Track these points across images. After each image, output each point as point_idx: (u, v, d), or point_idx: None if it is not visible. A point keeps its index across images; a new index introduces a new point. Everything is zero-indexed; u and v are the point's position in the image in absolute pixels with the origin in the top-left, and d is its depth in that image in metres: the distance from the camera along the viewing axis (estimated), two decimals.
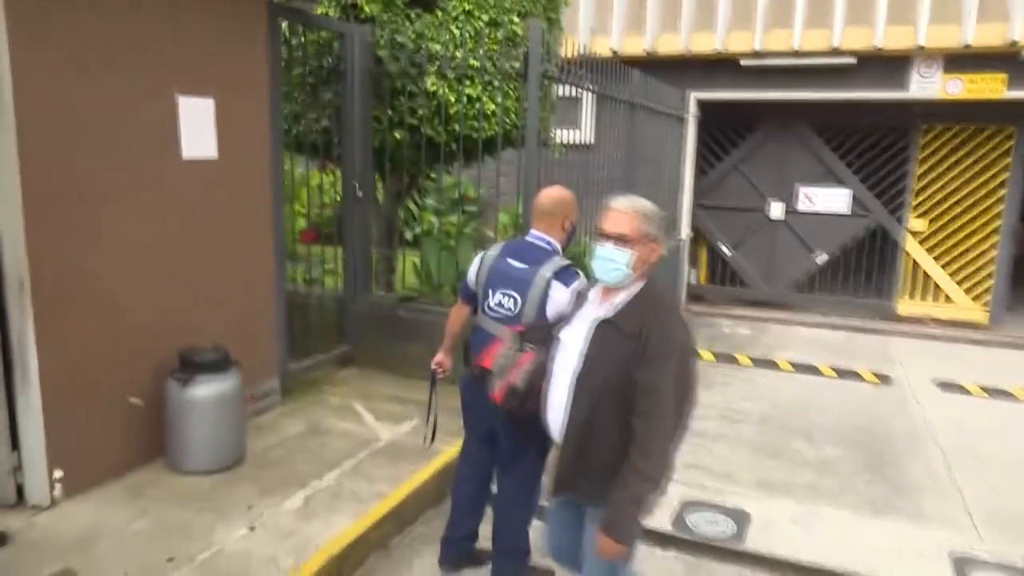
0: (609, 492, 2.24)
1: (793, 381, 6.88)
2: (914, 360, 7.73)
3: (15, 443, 3.45)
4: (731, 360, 7.49)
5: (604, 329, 2.29)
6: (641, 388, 2.19)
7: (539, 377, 2.51)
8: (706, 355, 7.63)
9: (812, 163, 9.70)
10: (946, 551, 3.81)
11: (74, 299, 3.51)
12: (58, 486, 3.48)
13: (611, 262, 2.29)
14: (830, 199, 9.64)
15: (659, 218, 2.37)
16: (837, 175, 9.59)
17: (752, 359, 7.53)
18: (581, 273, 2.94)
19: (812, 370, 7.21)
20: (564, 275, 2.88)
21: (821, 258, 9.75)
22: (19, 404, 3.41)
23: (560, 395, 2.39)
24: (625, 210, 2.32)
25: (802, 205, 9.77)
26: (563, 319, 2.54)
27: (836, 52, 8.52)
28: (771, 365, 7.35)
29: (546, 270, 2.89)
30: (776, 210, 9.89)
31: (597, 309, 2.37)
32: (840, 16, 8.40)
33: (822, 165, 9.66)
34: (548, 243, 3.05)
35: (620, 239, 2.28)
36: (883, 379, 6.97)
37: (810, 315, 9.57)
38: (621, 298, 2.33)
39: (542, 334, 2.60)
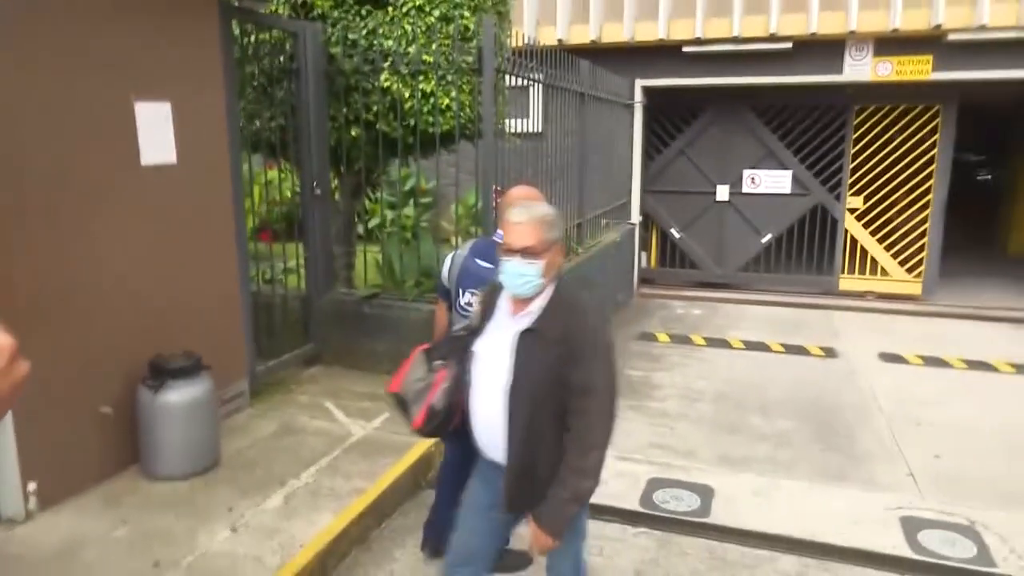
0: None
1: (746, 359, 7.16)
2: (857, 333, 8.11)
3: None
4: (686, 341, 7.74)
5: (528, 339, 2.25)
6: (576, 389, 2.21)
7: (457, 393, 2.45)
8: (662, 337, 7.86)
9: (755, 146, 10.02)
10: (894, 514, 4.09)
11: (41, 310, 3.47)
12: (32, 498, 3.46)
13: (522, 276, 2.24)
14: (773, 180, 9.98)
15: (558, 219, 2.35)
16: (779, 157, 9.93)
17: (706, 339, 7.79)
18: None
19: (763, 347, 7.51)
20: None
21: (766, 238, 10.10)
22: None
23: (489, 411, 2.33)
24: (528, 222, 2.25)
25: (747, 187, 10.08)
26: (471, 330, 2.46)
27: (773, 38, 8.80)
28: (724, 344, 7.62)
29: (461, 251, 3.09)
30: (722, 193, 10.19)
31: (513, 320, 2.32)
32: (776, 3, 8.68)
33: (764, 147, 9.98)
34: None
35: (527, 252, 2.21)
36: (829, 352, 7.32)
37: (759, 294, 9.92)
38: (536, 305, 2.29)
39: (450, 348, 2.53)
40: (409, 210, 8.88)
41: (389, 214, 8.60)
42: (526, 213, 2.27)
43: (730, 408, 5.78)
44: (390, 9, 5.52)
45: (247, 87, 5.49)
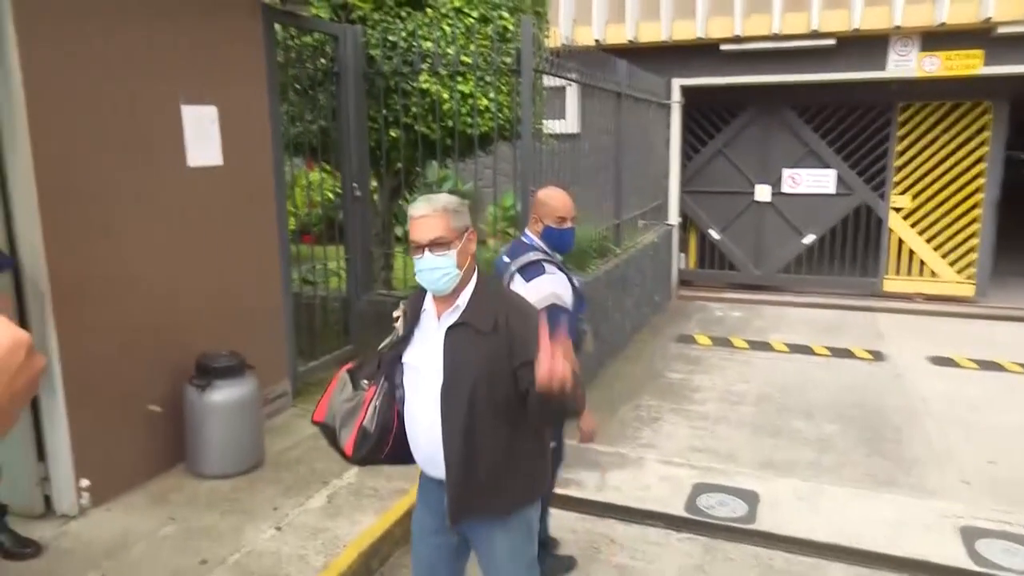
0: (514, 498, 2.22)
1: (788, 362, 7.03)
2: (904, 336, 7.91)
3: (41, 454, 3.49)
4: (726, 343, 7.63)
5: (457, 333, 2.13)
6: (525, 365, 2.03)
7: (390, 411, 2.26)
8: (701, 339, 7.76)
9: (795, 145, 9.84)
10: (950, 522, 3.96)
11: (93, 308, 3.55)
12: (85, 495, 3.53)
13: (436, 270, 2.10)
14: (815, 180, 9.79)
15: (463, 204, 2.19)
16: (820, 156, 9.74)
17: (746, 342, 7.67)
18: (553, 268, 3.02)
19: (806, 350, 7.36)
20: (526, 270, 2.99)
21: (808, 239, 9.91)
22: (44, 414, 3.45)
23: (427, 421, 2.16)
24: (431, 213, 2.10)
25: (787, 187, 9.91)
26: (402, 339, 2.28)
27: (815, 35, 8.64)
28: (765, 347, 7.49)
29: (516, 264, 3.03)
30: (762, 193, 10.03)
31: (440, 321, 2.18)
32: None
33: (805, 146, 9.80)
34: (529, 239, 3.18)
35: (436, 244, 2.09)
36: (876, 356, 7.15)
37: (800, 296, 9.74)
38: (462, 298, 2.17)
39: (378, 364, 2.32)
40: None
41: None
42: (427, 205, 2.11)
43: (772, 411, 5.68)
44: (429, 11, 5.54)
45: (289, 90, 5.56)
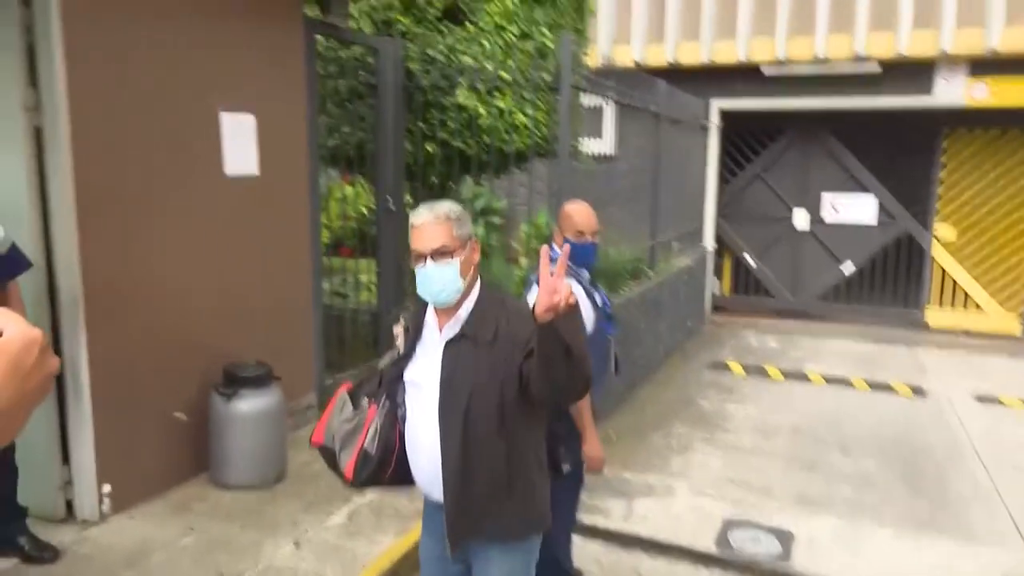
0: (513, 523, 2.10)
1: (825, 393, 6.82)
2: (947, 372, 7.64)
3: (65, 457, 3.47)
4: (760, 372, 7.43)
5: (457, 346, 2.05)
6: (528, 364, 1.95)
7: (392, 432, 2.17)
8: (735, 367, 7.58)
9: (836, 171, 9.65)
10: (1001, 570, 3.75)
11: (124, 314, 3.54)
12: (107, 501, 3.51)
13: (439, 281, 2.01)
14: (856, 207, 9.57)
15: (466, 213, 2.11)
16: (862, 183, 9.53)
17: (782, 371, 7.47)
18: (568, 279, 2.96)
19: (844, 382, 7.14)
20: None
21: (848, 268, 9.67)
22: (70, 418, 3.44)
23: (429, 441, 2.07)
24: (433, 221, 2.02)
25: (827, 214, 9.71)
26: (404, 356, 2.19)
27: (860, 59, 8.48)
28: (802, 377, 7.29)
29: (533, 274, 2.98)
30: (801, 219, 9.84)
31: (442, 334, 2.09)
32: (863, 22, 8.36)
33: (846, 173, 9.60)
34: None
35: (439, 253, 2.00)
36: (917, 391, 6.90)
37: (838, 326, 9.49)
38: (464, 310, 2.07)
39: (378, 383, 2.24)
40: (480, 228, 8.87)
41: None
42: (429, 212, 2.03)
43: (808, 444, 5.49)
44: (470, 26, 5.53)
45: (328, 102, 5.57)
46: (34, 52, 3.18)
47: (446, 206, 2.07)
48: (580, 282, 3.01)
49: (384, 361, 2.28)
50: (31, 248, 3.24)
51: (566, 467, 2.50)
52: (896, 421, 6.04)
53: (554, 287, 1.71)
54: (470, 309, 2.08)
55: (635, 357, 6.34)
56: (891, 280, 9.55)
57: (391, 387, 2.19)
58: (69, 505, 3.50)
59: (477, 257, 2.12)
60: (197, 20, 3.84)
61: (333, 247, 7.36)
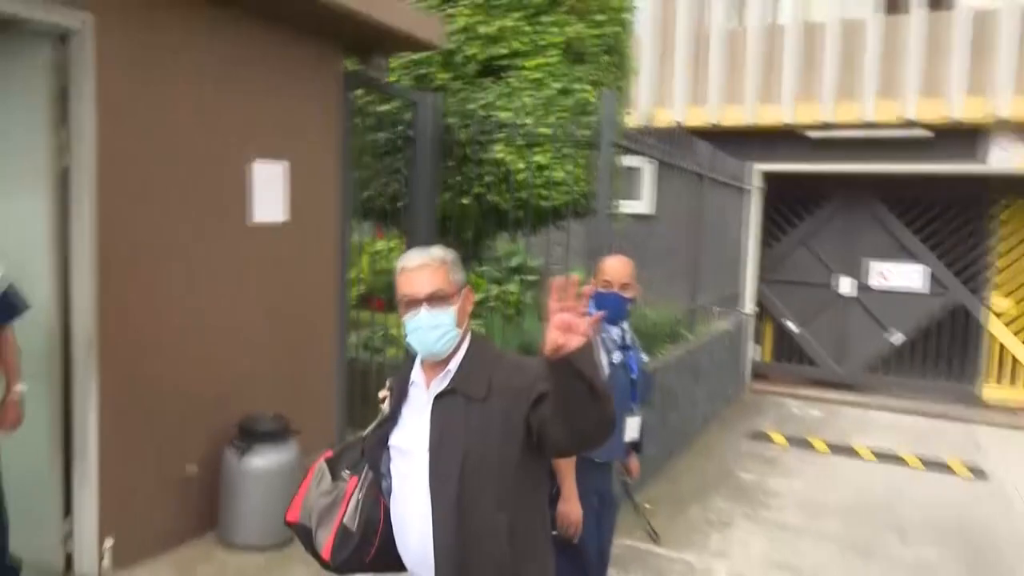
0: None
1: (875, 471, 6.39)
2: (1007, 451, 7.14)
3: (68, 509, 3.31)
4: (804, 445, 7.03)
5: (445, 403, 1.83)
6: (541, 399, 1.71)
7: (376, 509, 1.93)
8: (777, 438, 7.19)
9: (884, 238, 9.35)
10: None
11: (139, 362, 3.42)
12: (108, 555, 3.32)
13: (436, 328, 1.82)
14: (904, 275, 9.22)
15: (458, 261, 1.94)
16: (911, 250, 9.21)
17: (828, 444, 7.05)
18: None
19: (895, 460, 6.70)
20: None
21: (897, 338, 9.26)
22: (75, 468, 3.28)
23: (416, 513, 1.83)
24: (428, 263, 1.85)
25: (875, 281, 9.37)
26: (388, 419, 1.96)
27: (909, 124, 8.28)
28: (849, 452, 6.87)
29: None
30: (846, 286, 9.51)
31: (428, 392, 1.88)
32: (913, 87, 8.19)
33: (894, 240, 9.29)
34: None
35: (436, 297, 1.82)
36: (977, 472, 6.42)
37: (885, 398, 9.03)
38: (454, 363, 1.87)
39: (360, 451, 2.01)
40: (514, 286, 8.72)
41: (493, 289, 8.47)
42: (424, 255, 1.87)
43: (860, 526, 5.08)
44: (510, 81, 5.49)
45: (364, 154, 5.54)
46: (66, 93, 3.15)
47: (439, 250, 1.91)
48: (602, 338, 2.80)
49: (368, 429, 2.04)
50: (46, 290, 3.16)
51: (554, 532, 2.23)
52: (956, 504, 5.59)
53: (567, 323, 1.48)
54: (460, 362, 1.87)
55: (672, 424, 6.04)
56: (943, 353, 9.11)
57: (374, 455, 1.95)
58: (69, 559, 3.31)
59: (470, 307, 1.93)
60: (234, 69, 3.83)
61: (364, 300, 7.26)
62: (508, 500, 1.79)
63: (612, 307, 2.85)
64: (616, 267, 2.91)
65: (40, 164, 3.16)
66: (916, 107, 8.19)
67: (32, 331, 3.05)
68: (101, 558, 3.30)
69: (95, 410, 3.24)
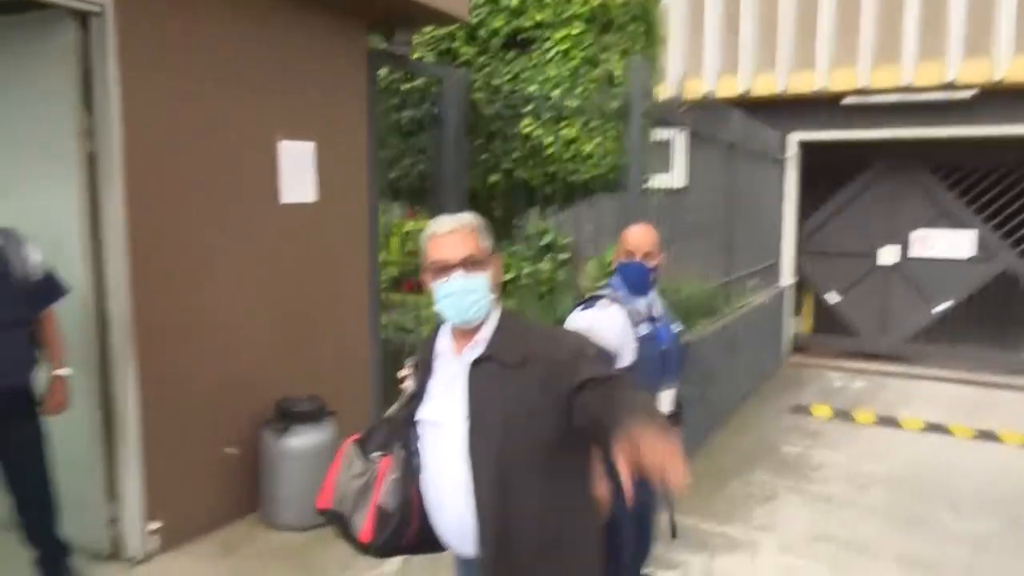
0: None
1: (923, 442, 6.22)
2: None
3: (112, 493, 3.35)
4: (847, 417, 6.88)
5: (482, 369, 1.79)
6: (579, 391, 1.67)
7: (409, 488, 1.89)
8: (819, 411, 7.04)
9: (927, 205, 9.06)
10: None
11: (175, 345, 3.44)
12: (154, 538, 3.36)
13: (470, 294, 1.78)
14: (950, 243, 8.94)
15: (487, 228, 1.89)
16: (956, 217, 8.91)
17: (872, 416, 6.89)
18: (608, 304, 2.70)
19: (943, 430, 6.52)
20: (581, 305, 2.74)
21: (941, 307, 9.00)
22: (118, 453, 3.32)
23: (453, 484, 1.79)
24: (458, 229, 1.81)
25: (917, 250, 9.09)
26: (415, 395, 1.92)
27: (952, 86, 7.97)
28: (895, 423, 6.70)
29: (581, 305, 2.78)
30: (888, 255, 9.25)
31: (459, 361, 1.83)
32: (956, 47, 7.87)
33: (938, 207, 9.00)
34: (613, 280, 2.89)
35: (470, 262, 1.78)
36: None
37: (931, 369, 8.79)
38: (485, 333, 1.83)
39: (389, 431, 1.97)
40: (545, 264, 8.65)
41: (524, 267, 8.41)
42: (455, 221, 1.83)
43: (909, 498, 4.94)
44: (535, 54, 5.39)
45: (390, 133, 5.50)
46: (90, 77, 3.15)
47: (469, 215, 1.88)
48: (625, 308, 2.72)
49: (391, 409, 2.01)
50: (81, 276, 3.17)
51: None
52: (1012, 477, 5.41)
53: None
54: (493, 332, 1.84)
55: (710, 398, 5.94)
56: (991, 321, 8.82)
57: (404, 433, 1.91)
58: (115, 542, 3.36)
59: (501, 276, 1.90)
60: (258, 47, 3.79)
61: (396, 282, 7.26)
62: (550, 468, 1.74)
63: (636, 277, 2.78)
64: (639, 236, 2.82)
65: (69, 148, 3.17)
66: (958, 69, 7.88)
67: (68, 316, 3.07)
68: (147, 541, 3.34)
69: (134, 394, 3.26)
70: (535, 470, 1.73)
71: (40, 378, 2.93)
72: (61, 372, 2.96)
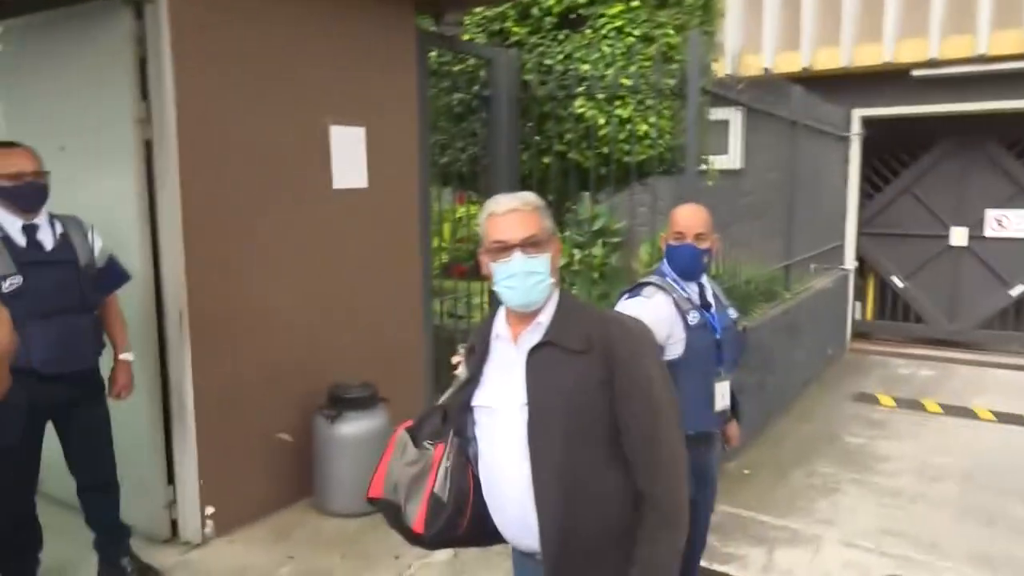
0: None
1: (997, 433, 5.93)
2: None
3: (171, 477, 3.40)
4: (915, 406, 6.60)
5: (543, 355, 1.71)
6: (630, 408, 1.66)
7: (465, 475, 1.82)
8: (884, 399, 6.78)
9: (1002, 182, 8.60)
10: None
11: (228, 331, 3.46)
12: (209, 523, 3.41)
13: (532, 275, 1.70)
14: None
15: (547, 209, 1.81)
16: None
17: (941, 406, 6.59)
18: (653, 291, 2.58)
19: (1017, 420, 6.19)
20: (627, 292, 2.65)
21: (1017, 290, 8.55)
22: (175, 437, 3.37)
23: (512, 473, 1.71)
24: (519, 208, 1.73)
25: (991, 230, 8.64)
26: (469, 381, 1.84)
27: None
28: (966, 413, 6.39)
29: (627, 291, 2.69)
30: (958, 236, 8.82)
31: (518, 346, 1.75)
32: None
33: (1014, 184, 8.53)
34: (661, 264, 2.74)
35: (531, 242, 1.70)
36: None
37: (1005, 356, 8.38)
38: (545, 317, 1.75)
39: (441, 418, 1.89)
40: (598, 249, 8.52)
41: (576, 253, 8.30)
42: (513, 199, 1.75)
43: (982, 492, 4.71)
44: (588, 32, 5.24)
45: (440, 117, 5.44)
46: (145, 65, 3.16)
47: (530, 194, 1.79)
48: (672, 296, 2.58)
49: (445, 396, 1.93)
50: (139, 263, 3.21)
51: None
52: None
53: None
54: (553, 316, 1.75)
55: (770, 386, 5.76)
56: None
57: (458, 419, 1.83)
58: (174, 525, 3.42)
59: (559, 259, 1.81)
60: (308, 32, 3.76)
61: (447, 268, 7.23)
62: (611, 457, 1.68)
63: (686, 261, 2.63)
64: (689, 216, 2.65)
65: (126, 136, 3.19)
66: None
67: (126, 303, 3.11)
68: (204, 525, 3.38)
69: (190, 380, 3.30)
70: (598, 460, 1.67)
71: (103, 363, 2.98)
72: (125, 357, 3.02)
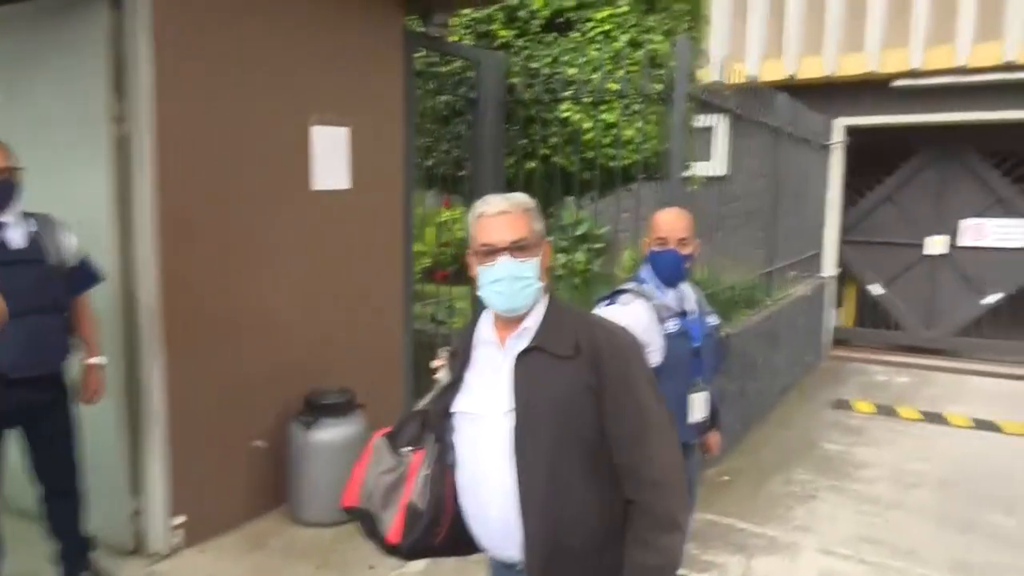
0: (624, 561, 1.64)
1: (972, 440, 5.97)
2: None
3: (136, 487, 3.31)
4: (892, 413, 6.64)
5: (530, 360, 1.67)
6: (618, 414, 1.64)
7: (443, 483, 1.76)
8: (861, 406, 6.81)
9: (980, 192, 8.69)
10: None
11: (203, 334, 3.38)
12: (180, 532, 3.32)
13: (518, 280, 1.67)
14: (1004, 232, 8.56)
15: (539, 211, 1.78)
16: (1012, 205, 8.52)
17: (918, 412, 6.64)
18: (631, 299, 2.54)
19: (994, 428, 6.25)
20: (604, 299, 2.61)
21: (993, 298, 8.64)
22: (143, 445, 3.28)
23: (495, 481, 1.67)
24: (509, 210, 1.68)
25: (968, 239, 8.73)
26: (451, 386, 1.80)
27: (1010, 67, 7.59)
28: (942, 420, 6.44)
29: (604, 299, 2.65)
30: (936, 245, 8.90)
31: (504, 351, 1.72)
32: (1014, 27, 7.48)
33: (992, 194, 8.62)
34: (643, 270, 2.72)
35: (520, 245, 1.67)
36: None
37: (980, 364, 8.46)
38: (531, 321, 1.72)
39: (420, 424, 1.84)
40: (580, 255, 8.50)
41: (560, 258, 8.28)
42: (504, 200, 1.71)
43: (959, 499, 4.73)
44: (575, 36, 5.21)
45: (426, 119, 5.39)
46: (122, 60, 3.08)
47: (521, 196, 1.75)
48: (651, 303, 2.55)
49: (425, 401, 1.88)
50: (110, 262, 3.13)
51: None
52: None
53: None
54: (540, 320, 1.72)
55: (750, 393, 5.76)
56: None
57: (438, 426, 1.79)
58: (139, 536, 3.33)
59: (548, 262, 1.77)
60: (291, 30, 3.70)
61: (429, 272, 7.18)
62: (596, 467, 1.64)
63: (668, 266, 2.60)
64: (670, 221, 2.62)
65: (100, 133, 3.11)
66: (1017, 49, 7.50)
67: (97, 303, 3.03)
68: (172, 535, 3.30)
69: (161, 384, 3.22)
70: (585, 467, 1.64)
71: (72, 366, 2.89)
72: (95, 360, 2.93)
